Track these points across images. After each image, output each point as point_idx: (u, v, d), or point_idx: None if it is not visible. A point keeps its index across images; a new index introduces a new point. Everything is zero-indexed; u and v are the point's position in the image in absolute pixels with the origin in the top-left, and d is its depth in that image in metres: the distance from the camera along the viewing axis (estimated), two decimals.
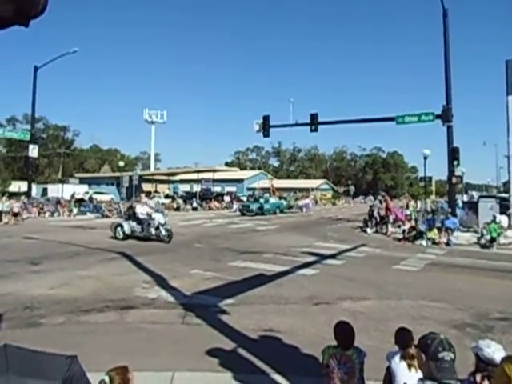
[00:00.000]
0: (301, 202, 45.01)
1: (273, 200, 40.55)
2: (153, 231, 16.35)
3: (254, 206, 36.13)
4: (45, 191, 50.12)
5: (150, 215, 16.72)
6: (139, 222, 16.89)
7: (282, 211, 39.20)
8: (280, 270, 11.04)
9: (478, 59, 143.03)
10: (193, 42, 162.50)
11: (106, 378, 2.60)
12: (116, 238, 16.86)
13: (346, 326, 3.55)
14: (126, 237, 16.73)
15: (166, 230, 16.35)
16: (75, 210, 32.58)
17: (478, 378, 3.07)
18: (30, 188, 36.39)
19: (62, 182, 51.16)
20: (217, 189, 59.46)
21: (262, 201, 38.39)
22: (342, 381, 3.35)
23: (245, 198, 49.15)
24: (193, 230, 21.78)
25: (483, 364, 3.06)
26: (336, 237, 19.51)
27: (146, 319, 6.88)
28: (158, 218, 16.56)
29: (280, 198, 45.26)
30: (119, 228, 17.12)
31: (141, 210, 17.19)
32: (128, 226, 16.92)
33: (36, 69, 34.75)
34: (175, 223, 26.32)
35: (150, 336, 6.03)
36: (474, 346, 3.23)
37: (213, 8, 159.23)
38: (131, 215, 17.52)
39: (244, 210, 36.03)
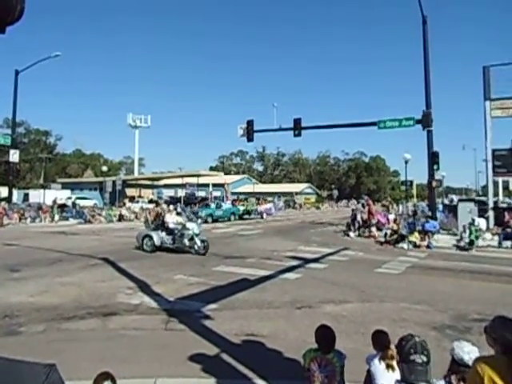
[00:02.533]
0: (261, 207, 41.03)
1: (227, 205, 37.26)
2: (186, 242, 14.78)
3: (204, 213, 32.07)
4: (26, 197, 49.33)
5: (183, 225, 15.19)
6: (170, 232, 15.32)
7: (240, 217, 36.06)
8: (263, 275, 11.07)
9: (458, 62, 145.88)
10: (177, 48, 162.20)
11: (110, 383, 2.63)
12: (143, 249, 15.18)
13: (326, 329, 3.61)
14: (156, 249, 15.17)
15: (202, 241, 14.76)
16: (57, 216, 32.10)
17: (454, 380, 3.15)
18: (10, 193, 35.80)
19: (43, 187, 50.29)
20: (201, 193, 59.24)
21: (213, 206, 34.72)
22: None
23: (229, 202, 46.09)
24: None
25: (456, 365, 3.15)
26: (319, 241, 19.64)
27: (128, 325, 6.84)
28: (192, 227, 15.01)
29: (233, 202, 41.47)
30: (147, 239, 15.38)
31: (171, 219, 15.64)
32: (158, 237, 15.26)
33: (17, 73, 34.31)
34: None
35: (133, 342, 5.99)
36: (451, 348, 3.32)
37: (198, 14, 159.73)
38: (159, 225, 15.89)
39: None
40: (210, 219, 31.69)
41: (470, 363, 3.00)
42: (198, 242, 14.69)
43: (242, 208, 38.42)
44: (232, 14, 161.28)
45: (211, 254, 14.73)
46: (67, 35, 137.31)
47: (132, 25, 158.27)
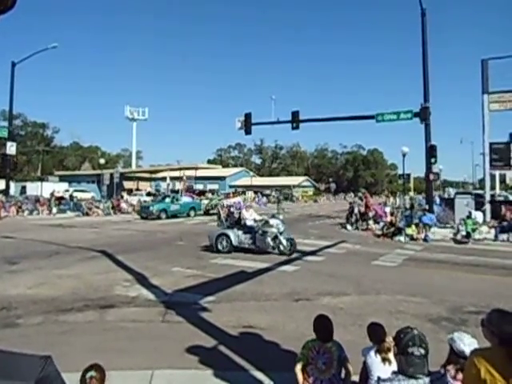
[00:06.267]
0: (227, 202, 36.84)
1: (185, 199, 33.07)
2: (270, 242, 13.16)
3: (156, 208, 28.14)
4: (23, 189, 49.15)
5: (265, 221, 13.62)
6: (248, 230, 13.70)
7: (207, 212, 31.72)
8: (261, 267, 11.10)
9: (454, 62, 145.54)
10: (176, 45, 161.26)
11: (93, 373, 2.65)
12: (218, 250, 13.47)
13: (324, 319, 3.63)
14: (233, 249, 13.51)
15: (287, 240, 13.31)
16: (55, 209, 32.04)
17: (452, 370, 3.17)
18: (7, 186, 35.64)
19: (41, 179, 50.28)
20: (199, 186, 59.22)
21: (167, 200, 30.22)
22: (319, 370, 3.43)
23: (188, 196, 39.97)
24: (174, 228, 21.68)
25: (455, 356, 3.16)
26: (317, 233, 19.68)
27: (126, 318, 6.86)
28: (277, 224, 13.44)
29: (198, 194, 37.45)
30: (222, 238, 13.66)
31: (248, 216, 14.05)
32: (234, 236, 13.64)
33: (14, 64, 34.03)
34: (156, 221, 26.18)
35: (130, 334, 6.01)
36: (450, 338, 3.33)
37: (194, 13, 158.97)
38: (234, 222, 14.29)
39: (143, 213, 28.28)
40: (163, 215, 28.03)
41: (467, 354, 3.02)
42: (284, 242, 13.18)
43: (205, 202, 34.80)
44: (232, 15, 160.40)
45: (209, 246, 14.71)
46: (64, 31, 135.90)
47: (131, 24, 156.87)
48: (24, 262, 11.53)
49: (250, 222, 13.88)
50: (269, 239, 13.20)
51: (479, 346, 3.08)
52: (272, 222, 13.53)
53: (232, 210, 15.02)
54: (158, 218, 27.37)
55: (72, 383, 2.45)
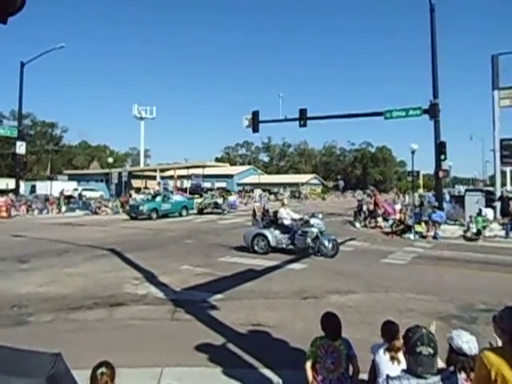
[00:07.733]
0: (222, 200, 34.71)
1: (177, 198, 31.14)
2: (310, 243, 12.44)
3: (146, 207, 26.50)
4: (33, 188, 49.70)
5: (305, 221, 12.89)
6: (286, 230, 13.06)
7: (200, 212, 30.78)
8: (269, 265, 11.10)
9: (465, 53, 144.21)
10: (182, 40, 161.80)
11: (104, 369, 2.67)
12: (254, 251, 12.94)
13: (332, 316, 3.61)
14: (271, 250, 12.92)
15: (330, 241, 12.47)
16: (64, 207, 32.32)
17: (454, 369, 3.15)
18: (17, 185, 36.02)
19: (50, 178, 50.58)
20: (207, 184, 59.34)
21: (158, 199, 28.52)
22: (327, 370, 3.42)
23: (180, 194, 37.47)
24: (183, 226, 21.76)
25: (455, 354, 3.14)
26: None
27: (135, 316, 6.89)
28: (317, 224, 12.71)
29: (190, 194, 36.42)
30: (259, 239, 13.05)
31: (285, 215, 13.35)
32: (272, 236, 12.96)
33: (22, 64, 34.33)
34: (165, 219, 26.28)
35: (140, 332, 6.05)
36: (449, 337, 3.31)
37: (201, 5, 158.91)
38: (271, 222, 13.67)
39: (132, 213, 26.56)
40: (154, 215, 26.28)
41: (469, 353, 3.02)
42: (326, 242, 12.37)
43: (198, 201, 33.11)
44: (237, 6, 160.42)
45: (217, 244, 14.76)
46: (72, 26, 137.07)
47: (137, 18, 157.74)
48: (34, 260, 11.64)
49: (287, 222, 13.23)
50: (309, 240, 12.49)
51: (479, 343, 3.10)
52: (312, 221, 12.79)
53: (267, 207, 14.67)
54: (149, 217, 25.77)
55: (82, 380, 2.46)
